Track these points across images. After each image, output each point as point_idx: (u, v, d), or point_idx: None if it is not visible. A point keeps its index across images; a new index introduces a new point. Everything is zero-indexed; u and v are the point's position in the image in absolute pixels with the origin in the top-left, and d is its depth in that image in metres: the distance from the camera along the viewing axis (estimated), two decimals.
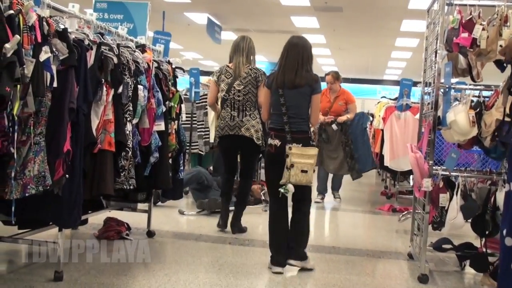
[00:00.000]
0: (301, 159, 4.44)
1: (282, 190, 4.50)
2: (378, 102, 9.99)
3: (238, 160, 6.34)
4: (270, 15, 14.51)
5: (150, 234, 5.58)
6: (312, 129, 5.64)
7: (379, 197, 10.02)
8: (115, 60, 4.19)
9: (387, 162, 8.25)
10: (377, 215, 8.03)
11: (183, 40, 18.66)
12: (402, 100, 8.21)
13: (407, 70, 22.05)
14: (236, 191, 6.47)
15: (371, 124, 10.53)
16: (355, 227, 7.13)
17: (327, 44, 18.42)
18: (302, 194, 4.71)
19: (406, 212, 7.52)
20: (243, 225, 6.14)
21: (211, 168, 8.93)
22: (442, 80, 4.60)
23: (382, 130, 8.48)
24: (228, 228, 6.06)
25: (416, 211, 5.18)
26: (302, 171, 4.44)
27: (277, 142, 4.55)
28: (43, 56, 3.23)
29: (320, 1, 12.62)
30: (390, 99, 9.30)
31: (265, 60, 22.91)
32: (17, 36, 2.96)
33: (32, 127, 3.38)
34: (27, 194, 3.40)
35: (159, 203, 7.21)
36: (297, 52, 4.70)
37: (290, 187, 4.47)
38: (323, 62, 22.71)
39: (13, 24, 3.03)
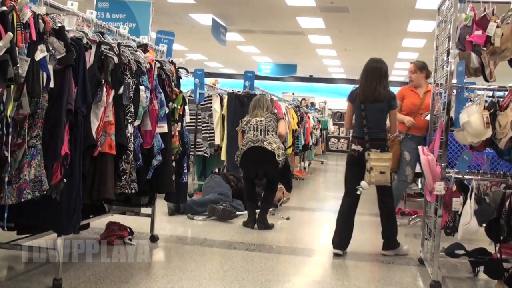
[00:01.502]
0: (379, 163, 5.13)
1: (359, 188, 5.20)
2: None
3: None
4: (275, 16, 14.39)
5: (154, 238, 5.44)
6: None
7: None
8: (116, 59, 4.06)
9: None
10: None
11: (188, 42, 18.56)
12: None
13: None
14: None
15: None
16: (362, 231, 6.94)
17: (333, 45, 18.28)
18: (384, 192, 5.47)
19: (415, 215, 7.36)
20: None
21: (216, 170, 8.80)
22: (455, 80, 4.45)
23: None
24: (233, 231, 6.02)
25: (427, 215, 5.02)
26: (381, 172, 5.14)
27: (359, 148, 5.28)
28: (38, 55, 3.09)
29: (326, 1, 12.48)
30: None
31: (270, 61, 22.82)
32: (10, 34, 2.82)
33: (27, 129, 3.24)
34: (22, 200, 3.27)
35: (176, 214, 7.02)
36: (376, 72, 5.35)
37: (365, 185, 5.17)
38: (329, 63, 22.61)
39: (6, 21, 2.88)
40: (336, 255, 5.32)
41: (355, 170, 5.33)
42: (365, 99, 5.28)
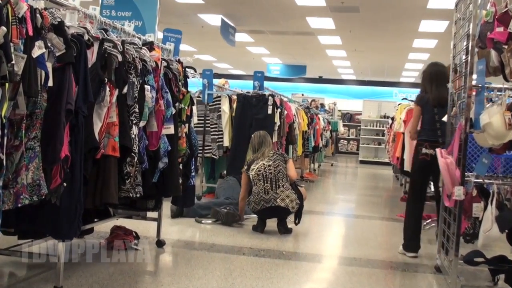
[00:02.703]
0: None
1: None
2: (399, 104, 9.68)
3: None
4: (285, 16, 14.21)
5: (160, 243, 5.26)
6: None
7: (398, 202, 9.66)
8: (120, 57, 3.89)
9: (407, 167, 7.91)
10: (397, 223, 7.64)
11: (197, 42, 18.43)
12: None
13: None
14: None
15: (390, 127, 10.22)
16: (375, 236, 6.77)
17: (343, 46, 18.07)
18: None
19: (430, 220, 7.14)
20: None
21: (225, 172, 8.63)
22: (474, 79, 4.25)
23: (403, 133, 8.16)
24: (242, 236, 5.84)
25: (445, 221, 4.81)
26: None
27: (432, 151, 5.17)
28: (36, 52, 2.92)
29: (336, 1, 12.29)
30: (412, 101, 8.96)
31: (279, 62, 22.66)
32: (3, 28, 2.64)
33: (24, 131, 3.07)
34: (19, 205, 3.09)
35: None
36: (445, 77, 5.37)
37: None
38: (339, 64, 22.41)
39: (0, 15, 2.70)
40: (413, 257, 5.41)
41: (426, 174, 5.53)
42: (438, 103, 5.36)
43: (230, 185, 7.43)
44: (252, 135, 6.84)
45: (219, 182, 7.75)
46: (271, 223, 6.37)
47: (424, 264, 5.22)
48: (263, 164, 6.34)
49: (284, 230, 6.29)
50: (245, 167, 6.49)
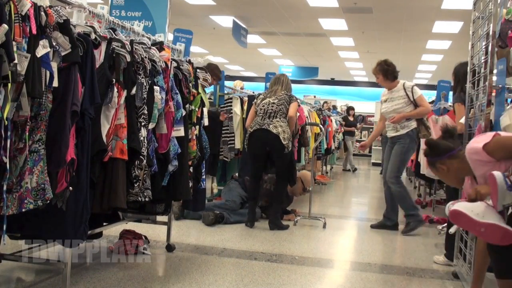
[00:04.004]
0: None
1: None
2: None
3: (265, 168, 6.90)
4: (297, 17, 14.11)
5: (170, 248, 5.16)
6: None
7: None
8: (128, 58, 3.78)
9: (423, 170, 7.77)
10: None
11: (208, 44, 18.39)
12: (439, 103, 7.72)
13: (438, 74, 21.44)
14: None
15: None
16: (390, 240, 6.61)
17: (355, 47, 17.95)
18: None
19: (445, 224, 6.98)
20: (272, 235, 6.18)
21: (237, 174, 8.52)
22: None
23: None
24: (254, 240, 5.74)
25: None
26: None
27: None
28: (40, 51, 2.82)
29: (349, 2, 12.17)
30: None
31: (291, 64, 22.56)
32: (5, 26, 2.53)
33: (28, 133, 2.96)
34: (23, 210, 2.99)
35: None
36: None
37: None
38: (351, 65, 22.28)
39: (2, 12, 2.60)
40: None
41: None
42: None
43: (230, 188, 7.41)
44: None
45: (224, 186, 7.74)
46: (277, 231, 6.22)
47: (441, 270, 5.07)
48: (269, 101, 6.65)
49: (275, 227, 6.50)
50: (255, 100, 6.92)
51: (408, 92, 6.91)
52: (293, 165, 7.12)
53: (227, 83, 8.78)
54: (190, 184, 4.84)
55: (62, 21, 3.12)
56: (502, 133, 3.26)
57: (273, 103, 6.59)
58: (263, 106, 6.62)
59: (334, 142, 13.87)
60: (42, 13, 2.94)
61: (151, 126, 4.08)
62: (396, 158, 6.88)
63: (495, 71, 4.14)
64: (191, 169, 4.89)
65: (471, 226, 3.13)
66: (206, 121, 5.24)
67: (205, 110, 5.22)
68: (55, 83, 3.02)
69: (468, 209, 3.11)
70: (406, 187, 7.05)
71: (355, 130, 17.95)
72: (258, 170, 6.81)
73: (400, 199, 6.90)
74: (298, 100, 7.77)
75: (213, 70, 7.46)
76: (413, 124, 6.88)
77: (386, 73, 7.08)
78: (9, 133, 2.76)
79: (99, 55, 3.60)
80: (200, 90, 4.96)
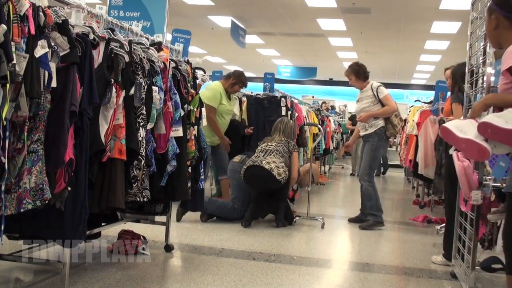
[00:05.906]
0: None
1: None
2: (412, 106, 9.55)
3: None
4: (295, 17, 14.12)
5: (168, 248, 5.16)
6: None
7: (411, 206, 9.54)
8: (127, 58, 3.78)
9: (421, 170, 7.79)
10: (410, 227, 7.54)
11: (207, 44, 18.39)
12: (437, 104, 7.73)
13: (436, 74, 21.47)
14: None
15: (402, 129, 10.07)
16: (388, 240, 6.63)
17: (354, 48, 17.97)
18: None
19: (443, 224, 6.99)
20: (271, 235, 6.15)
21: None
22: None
23: (416, 136, 8.03)
24: (252, 240, 5.73)
25: (461, 226, 4.67)
26: None
27: None
28: (39, 52, 2.82)
29: (347, 2, 12.18)
30: (425, 102, 8.84)
31: (290, 64, 22.56)
32: (3, 26, 2.53)
33: (27, 133, 2.96)
34: (22, 210, 2.99)
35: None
36: None
37: None
38: None
39: (1, 13, 2.60)
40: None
41: None
42: None
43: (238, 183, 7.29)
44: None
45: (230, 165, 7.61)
46: (276, 230, 6.23)
47: (439, 270, 5.08)
48: (267, 143, 6.78)
49: (281, 224, 6.67)
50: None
51: (375, 91, 7.14)
52: (288, 206, 7.12)
53: None
54: (189, 184, 4.84)
55: (61, 21, 3.12)
56: None
57: (271, 144, 6.72)
58: (261, 148, 6.75)
59: (332, 142, 13.88)
60: (41, 13, 2.94)
61: (149, 126, 4.08)
62: (367, 156, 7.13)
63: (493, 72, 4.15)
64: (189, 170, 4.89)
65: (455, 143, 3.41)
66: (204, 121, 5.24)
67: (203, 110, 5.23)
68: (54, 84, 3.02)
69: (454, 127, 3.36)
70: (376, 188, 7.23)
71: None
72: (260, 195, 6.79)
73: (367, 196, 7.12)
74: (296, 101, 7.79)
75: (239, 77, 7.45)
76: (381, 123, 7.10)
77: (358, 73, 7.39)
78: (7, 133, 2.76)
79: (98, 55, 3.60)
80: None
